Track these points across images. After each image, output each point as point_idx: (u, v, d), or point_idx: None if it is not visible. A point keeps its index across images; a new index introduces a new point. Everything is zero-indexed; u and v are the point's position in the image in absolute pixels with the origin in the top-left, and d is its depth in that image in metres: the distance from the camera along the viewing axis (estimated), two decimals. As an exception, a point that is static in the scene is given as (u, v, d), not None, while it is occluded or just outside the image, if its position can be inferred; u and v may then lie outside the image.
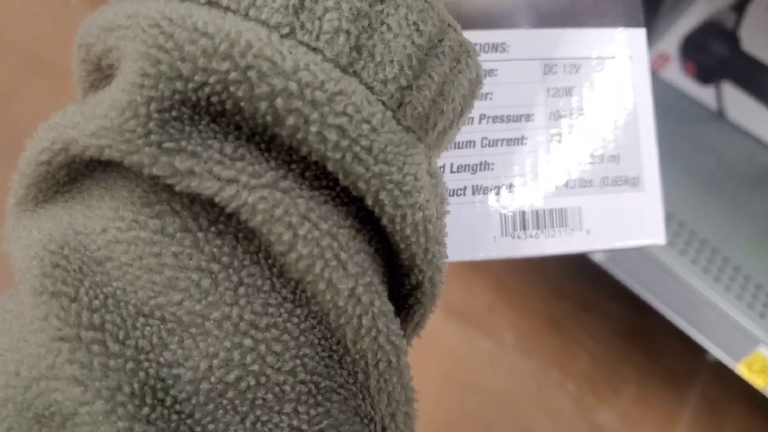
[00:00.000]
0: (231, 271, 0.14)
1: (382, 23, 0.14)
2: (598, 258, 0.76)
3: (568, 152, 0.22)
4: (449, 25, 0.15)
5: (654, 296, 0.77)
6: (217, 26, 0.13)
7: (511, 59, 0.22)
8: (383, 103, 0.14)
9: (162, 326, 0.13)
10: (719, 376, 0.87)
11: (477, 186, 0.21)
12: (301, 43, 0.13)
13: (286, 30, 0.13)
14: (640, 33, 0.22)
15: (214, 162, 0.13)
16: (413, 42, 0.14)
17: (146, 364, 0.13)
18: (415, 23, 0.14)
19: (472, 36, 0.21)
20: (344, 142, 0.14)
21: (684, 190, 0.81)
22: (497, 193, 0.22)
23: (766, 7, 0.73)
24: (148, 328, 0.13)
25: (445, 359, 0.85)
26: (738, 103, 0.87)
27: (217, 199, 0.13)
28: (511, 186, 0.22)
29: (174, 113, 0.13)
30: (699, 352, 0.78)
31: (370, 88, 0.14)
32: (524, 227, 0.22)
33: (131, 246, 0.14)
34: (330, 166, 0.14)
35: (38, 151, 0.15)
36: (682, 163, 0.83)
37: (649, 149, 0.22)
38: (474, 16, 0.21)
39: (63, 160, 0.15)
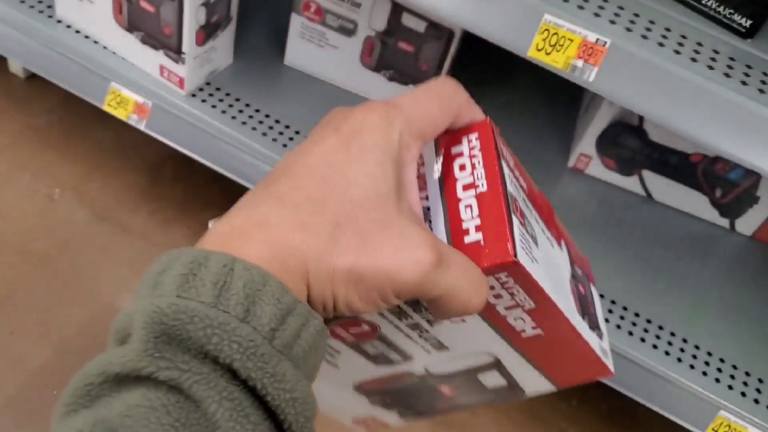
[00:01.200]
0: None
1: (261, 300, 0.26)
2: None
3: None
4: (300, 302, 0.27)
5: (614, 382, 0.82)
6: (178, 304, 0.26)
7: None
8: (262, 336, 0.26)
9: None
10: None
11: None
12: (220, 309, 0.26)
13: (212, 303, 0.26)
14: None
15: (181, 371, 0.25)
16: (277, 308, 0.26)
17: None
18: (278, 299, 0.27)
19: None
20: (240, 349, 0.25)
21: (624, 274, 0.87)
22: None
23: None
24: None
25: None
26: (660, 186, 0.95)
27: (181, 386, 0.25)
28: None
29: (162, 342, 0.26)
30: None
31: (254, 328, 0.26)
32: None
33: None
34: (235, 364, 0.25)
35: (85, 377, 0.26)
36: (618, 246, 0.90)
37: None
38: None
39: (104, 380, 0.26)
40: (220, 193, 1.07)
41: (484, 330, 0.35)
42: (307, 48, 0.93)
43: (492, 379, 0.39)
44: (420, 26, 0.86)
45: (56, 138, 1.10)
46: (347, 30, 0.89)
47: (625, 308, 0.84)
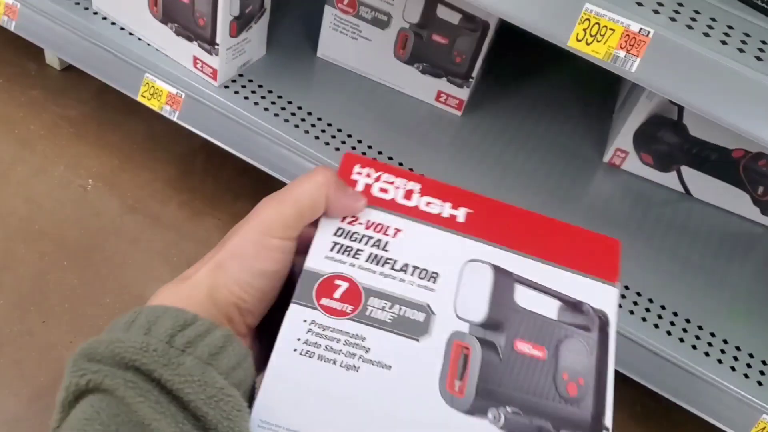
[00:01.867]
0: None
1: (159, 322, 0.34)
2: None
3: None
4: (201, 318, 0.34)
5: (653, 383, 0.79)
6: (101, 336, 0.33)
7: None
8: (158, 339, 0.33)
9: None
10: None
11: None
12: (128, 334, 0.33)
13: (124, 331, 0.34)
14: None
15: (93, 372, 0.32)
16: (174, 322, 0.33)
17: None
18: (176, 317, 0.34)
19: None
20: (138, 351, 0.32)
21: (661, 272, 0.85)
22: None
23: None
24: None
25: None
26: (699, 183, 0.93)
27: (99, 384, 0.32)
28: None
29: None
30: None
31: (152, 336, 0.33)
32: None
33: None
34: (136, 363, 0.32)
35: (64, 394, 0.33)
36: (655, 244, 0.88)
37: None
38: None
39: (61, 409, 0.33)
40: (250, 184, 1.06)
41: (427, 233, 0.39)
42: (340, 40, 0.92)
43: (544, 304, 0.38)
44: (454, 18, 0.85)
45: (90, 129, 1.11)
46: (381, 22, 0.88)
47: (663, 307, 0.82)
